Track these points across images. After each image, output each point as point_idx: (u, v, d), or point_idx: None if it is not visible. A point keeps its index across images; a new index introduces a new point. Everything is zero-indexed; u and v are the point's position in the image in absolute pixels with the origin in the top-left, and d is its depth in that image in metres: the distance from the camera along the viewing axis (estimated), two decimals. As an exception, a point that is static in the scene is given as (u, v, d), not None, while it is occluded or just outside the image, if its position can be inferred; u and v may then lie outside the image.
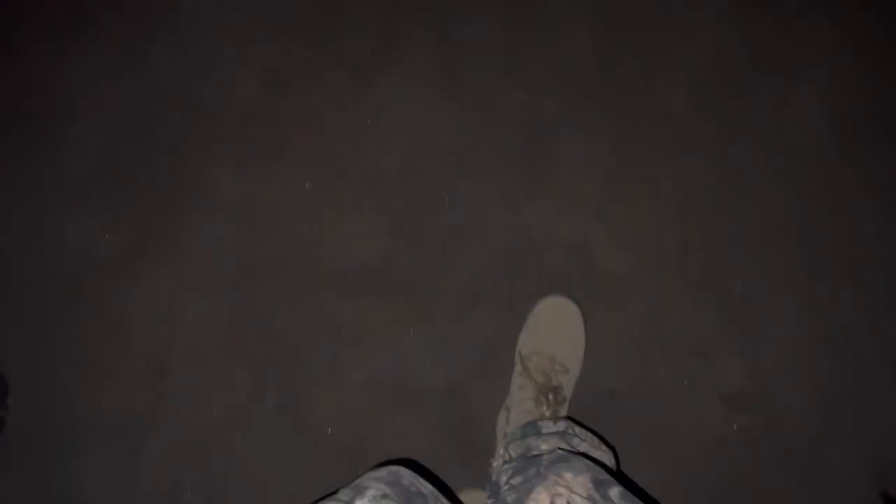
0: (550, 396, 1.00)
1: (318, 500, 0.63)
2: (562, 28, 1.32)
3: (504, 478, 0.80)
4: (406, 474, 0.67)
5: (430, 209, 1.25)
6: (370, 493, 0.61)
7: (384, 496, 0.61)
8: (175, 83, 1.33)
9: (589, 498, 0.61)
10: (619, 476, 0.68)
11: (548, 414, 0.98)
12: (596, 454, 0.87)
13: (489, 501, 0.83)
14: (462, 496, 1.04)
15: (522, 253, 1.22)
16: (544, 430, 0.90)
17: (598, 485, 0.63)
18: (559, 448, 0.80)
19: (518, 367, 1.08)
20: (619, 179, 1.25)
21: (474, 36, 1.33)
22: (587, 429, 0.93)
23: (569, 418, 1.00)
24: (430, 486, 0.69)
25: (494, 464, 0.96)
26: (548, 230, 1.23)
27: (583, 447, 0.86)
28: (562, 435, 0.88)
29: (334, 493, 0.64)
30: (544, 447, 0.85)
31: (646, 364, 1.18)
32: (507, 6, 1.33)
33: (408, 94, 1.31)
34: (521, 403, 1.03)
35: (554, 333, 1.11)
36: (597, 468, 0.66)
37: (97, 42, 1.35)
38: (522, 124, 1.28)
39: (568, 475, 0.63)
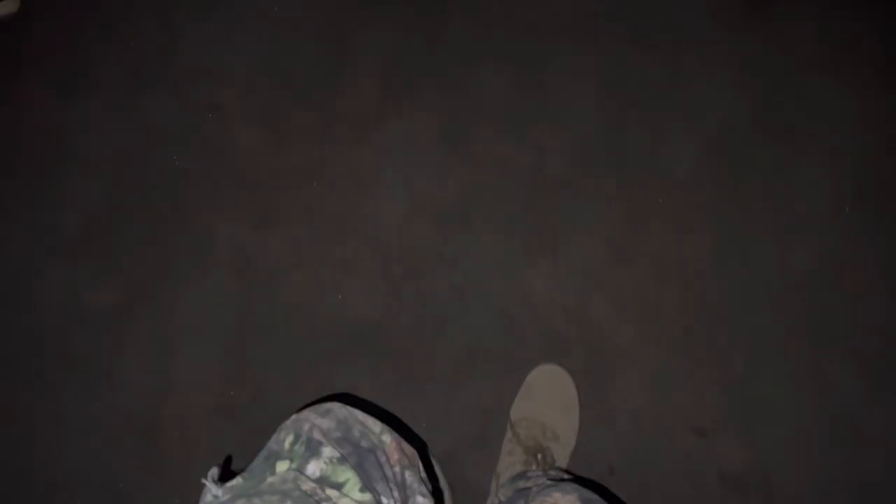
0: (539, 457, 0.98)
1: (271, 448, 0.61)
2: (568, 90, 1.33)
3: None
4: (354, 423, 0.64)
5: (430, 269, 1.24)
6: (325, 452, 0.59)
7: (340, 459, 0.59)
8: (173, 134, 1.32)
9: None
10: (610, 498, 0.66)
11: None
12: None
13: None
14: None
15: (522, 317, 1.21)
16: (532, 475, 0.88)
17: (587, 504, 0.62)
18: (549, 479, 0.78)
19: (508, 434, 1.07)
20: (622, 246, 1.25)
21: (479, 94, 1.33)
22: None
23: (561, 470, 0.97)
24: (378, 427, 0.66)
25: (485, 517, 0.93)
26: (549, 295, 1.22)
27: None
28: (551, 478, 0.86)
29: (282, 437, 0.62)
30: (533, 485, 0.83)
31: (644, 440, 1.15)
32: (513, 65, 1.34)
33: (410, 150, 1.31)
34: (510, 468, 1.01)
35: (546, 401, 1.10)
36: (586, 490, 0.65)
37: (96, 91, 1.36)
38: (526, 185, 1.28)
39: (556, 494, 0.63)
